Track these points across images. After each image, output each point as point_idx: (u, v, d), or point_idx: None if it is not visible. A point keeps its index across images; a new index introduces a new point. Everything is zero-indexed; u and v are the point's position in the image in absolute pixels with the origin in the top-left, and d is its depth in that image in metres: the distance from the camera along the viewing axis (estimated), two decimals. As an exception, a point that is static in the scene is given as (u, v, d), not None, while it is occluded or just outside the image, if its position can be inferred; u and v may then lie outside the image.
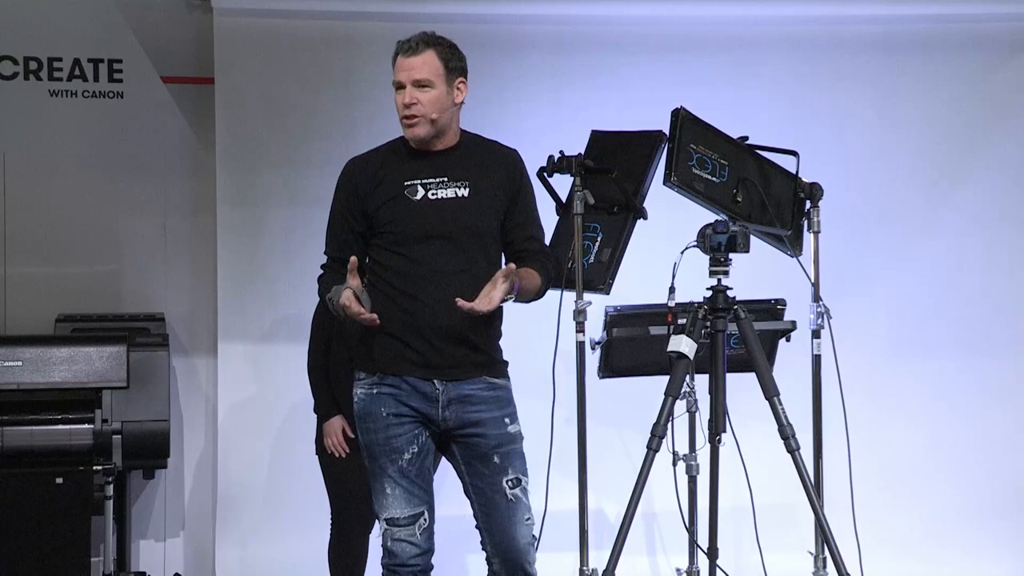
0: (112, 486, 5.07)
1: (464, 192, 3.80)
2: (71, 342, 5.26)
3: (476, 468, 3.81)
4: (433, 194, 3.79)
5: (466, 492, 3.86)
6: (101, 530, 5.12)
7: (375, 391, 3.77)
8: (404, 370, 3.74)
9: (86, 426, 5.10)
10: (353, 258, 3.66)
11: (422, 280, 3.72)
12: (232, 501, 5.82)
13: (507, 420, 3.81)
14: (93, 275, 5.84)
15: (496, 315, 3.79)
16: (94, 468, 5.05)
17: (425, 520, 3.78)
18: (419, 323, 3.72)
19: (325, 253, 3.91)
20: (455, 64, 3.86)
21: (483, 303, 3.62)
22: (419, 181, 3.80)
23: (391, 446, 3.75)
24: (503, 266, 3.73)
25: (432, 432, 3.79)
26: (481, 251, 3.80)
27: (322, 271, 3.91)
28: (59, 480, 5.02)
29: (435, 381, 3.74)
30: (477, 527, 3.86)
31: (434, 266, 3.72)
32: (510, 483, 3.79)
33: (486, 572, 3.89)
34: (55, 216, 5.82)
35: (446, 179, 3.81)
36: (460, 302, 3.61)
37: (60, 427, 5.11)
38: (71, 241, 5.84)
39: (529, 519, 3.83)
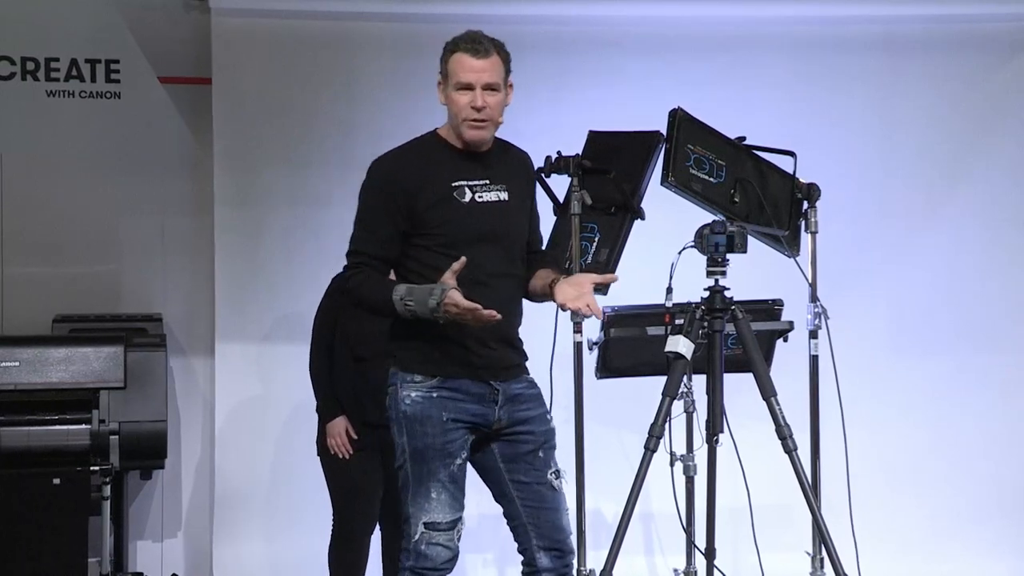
0: (109, 487, 5.06)
1: (504, 196, 3.82)
2: (68, 342, 5.26)
3: (521, 465, 3.82)
4: (480, 197, 3.78)
5: (503, 491, 3.84)
6: (98, 531, 5.11)
7: (434, 395, 3.74)
8: (463, 373, 3.74)
9: (83, 426, 5.10)
10: (463, 259, 3.64)
11: (475, 283, 3.69)
12: (230, 502, 5.82)
13: (548, 416, 3.91)
14: (91, 275, 5.84)
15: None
16: (91, 469, 5.04)
17: (462, 525, 3.79)
18: (475, 326, 3.70)
19: (359, 251, 3.78)
20: (510, 67, 3.86)
21: (596, 310, 3.75)
22: (465, 183, 3.78)
23: (447, 450, 3.73)
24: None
25: (476, 437, 3.79)
26: (520, 255, 3.85)
27: (354, 270, 3.78)
28: (56, 481, 5.02)
29: (492, 382, 3.77)
30: (516, 525, 3.84)
31: (485, 269, 3.72)
32: (554, 475, 3.85)
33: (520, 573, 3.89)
34: (53, 216, 5.82)
35: (488, 182, 3.81)
36: (588, 306, 3.69)
37: (57, 427, 5.10)
38: (69, 241, 5.84)
39: (568, 509, 3.89)
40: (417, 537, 3.74)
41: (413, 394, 3.75)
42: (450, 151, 3.82)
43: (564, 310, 3.84)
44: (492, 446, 3.82)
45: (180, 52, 5.90)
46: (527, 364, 3.90)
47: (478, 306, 3.59)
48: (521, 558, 3.87)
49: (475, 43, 3.83)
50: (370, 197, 3.82)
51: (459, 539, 3.79)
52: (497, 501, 3.88)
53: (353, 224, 3.85)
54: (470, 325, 3.64)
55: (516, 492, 3.84)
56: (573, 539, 3.91)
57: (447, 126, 3.86)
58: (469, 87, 3.77)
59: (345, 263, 3.85)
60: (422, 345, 3.75)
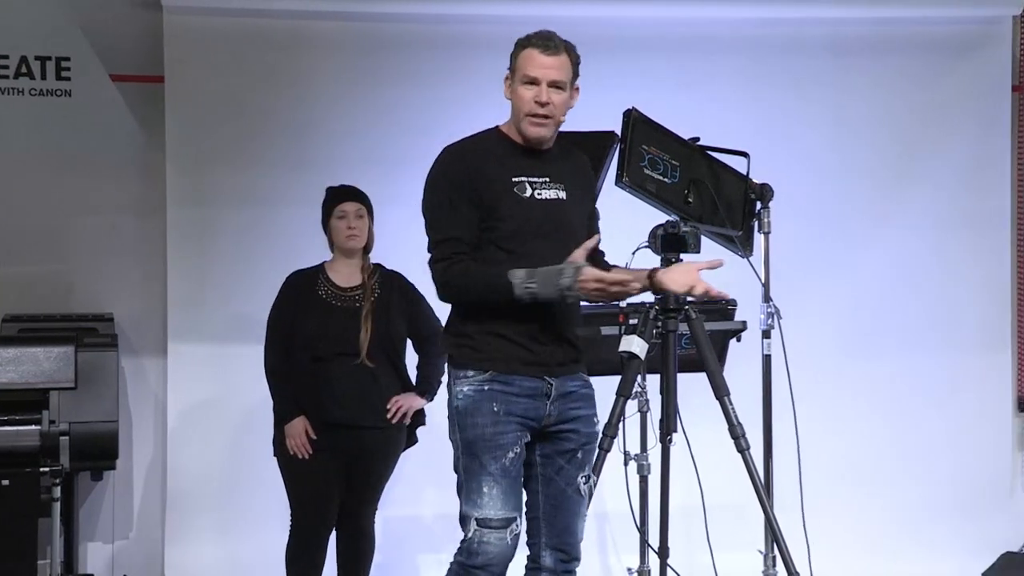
0: (60, 488, 5.01)
1: (563, 195, 3.83)
2: (18, 342, 5.20)
3: (557, 463, 3.82)
4: (539, 194, 3.78)
5: (529, 483, 3.82)
6: (48, 532, 5.06)
7: (485, 388, 3.72)
8: (517, 369, 3.73)
9: (33, 427, 5.03)
10: (597, 236, 3.73)
11: None
12: (182, 503, 5.78)
13: (595, 419, 3.90)
14: (41, 275, 5.79)
15: None
16: (41, 470, 4.99)
17: (517, 526, 3.75)
18: (529, 324, 3.72)
19: (450, 238, 3.71)
20: (578, 70, 3.86)
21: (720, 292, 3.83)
22: (526, 179, 3.78)
23: (497, 443, 3.71)
24: None
25: (528, 439, 3.78)
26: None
27: (449, 260, 3.71)
28: (5, 482, 4.96)
29: (546, 378, 3.76)
30: (531, 518, 3.82)
31: (541, 265, 3.69)
32: (584, 478, 3.85)
33: (523, 571, 3.88)
34: (2, 215, 5.76)
35: (548, 180, 3.81)
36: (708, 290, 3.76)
37: (6, 428, 5.03)
38: (18, 240, 5.78)
39: (587, 514, 3.90)
40: (471, 535, 3.71)
41: (465, 388, 3.74)
42: (512, 147, 3.83)
43: (690, 296, 3.88)
44: (536, 442, 3.81)
45: (132, 50, 5.85)
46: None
47: (626, 277, 3.67)
48: (527, 552, 3.85)
49: (547, 40, 3.84)
50: (446, 184, 3.77)
51: (514, 540, 3.74)
52: (523, 489, 3.85)
53: (429, 215, 3.80)
54: (599, 300, 3.71)
55: (543, 487, 3.83)
56: (583, 545, 3.91)
57: (509, 122, 3.86)
58: (535, 82, 3.77)
59: (432, 256, 3.76)
60: (475, 342, 3.75)
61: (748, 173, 4.77)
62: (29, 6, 5.77)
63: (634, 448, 4.87)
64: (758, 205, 4.84)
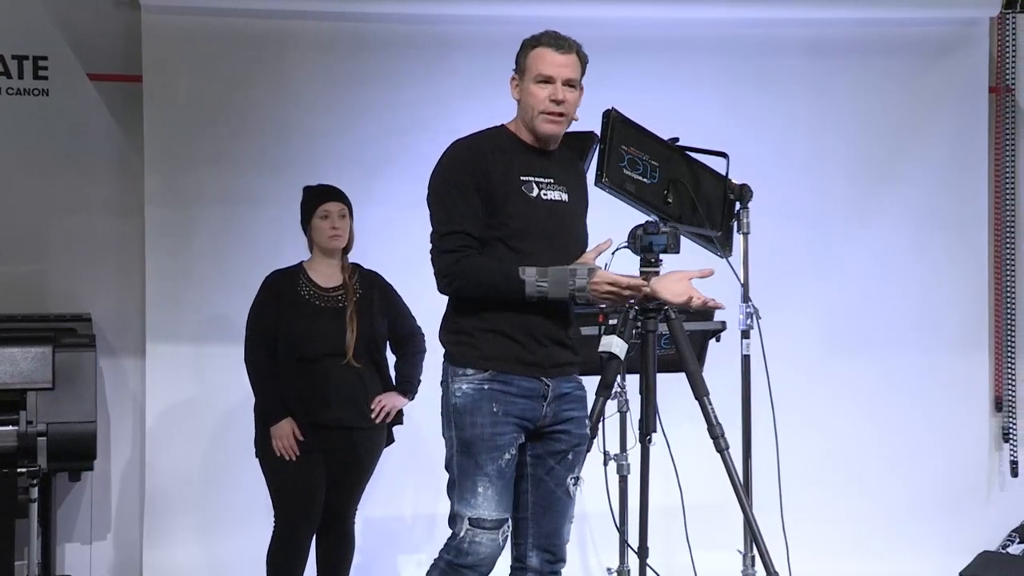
0: (37, 488, 5.00)
1: (565, 197, 3.87)
2: (-5, 343, 5.18)
3: (548, 463, 3.84)
4: (545, 194, 3.81)
5: (518, 484, 3.82)
6: (25, 533, 5.05)
7: (485, 387, 3.73)
8: (516, 370, 3.75)
9: (10, 428, 5.02)
10: (609, 239, 3.77)
11: None
12: (160, 503, 5.76)
13: (586, 421, 3.94)
14: (18, 274, 5.76)
15: None
16: (18, 470, 4.97)
17: (508, 527, 3.77)
18: (532, 322, 3.74)
19: (458, 230, 3.70)
20: (586, 69, 3.90)
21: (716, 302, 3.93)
22: (532, 179, 3.81)
23: (495, 443, 3.72)
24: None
25: (523, 440, 3.79)
26: (574, 256, 3.84)
27: (458, 252, 3.70)
28: (-18, 483, 4.95)
29: (543, 379, 3.78)
30: (519, 518, 3.83)
31: (543, 265, 3.71)
32: (573, 480, 3.88)
33: (509, 571, 3.88)
34: (-20, 215, 5.74)
35: (552, 181, 3.84)
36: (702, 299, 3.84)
37: (-17, 429, 5.02)
38: (-4, 240, 5.76)
39: (573, 516, 3.92)
40: (462, 534, 3.71)
41: (464, 386, 3.74)
42: (520, 146, 3.85)
43: (687, 307, 3.91)
44: (528, 442, 3.82)
45: (110, 49, 5.82)
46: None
47: (641, 281, 3.76)
48: (512, 551, 3.87)
49: (559, 39, 3.89)
50: (455, 178, 3.77)
51: (504, 541, 3.76)
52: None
53: (436, 208, 3.79)
54: (609, 303, 3.77)
55: (532, 487, 3.84)
56: (569, 547, 3.93)
57: (516, 122, 3.87)
58: (549, 80, 3.80)
59: (437, 247, 3.75)
60: (475, 339, 3.75)
61: (727, 173, 4.78)
62: (6, 5, 5.74)
63: (614, 448, 4.87)
64: (737, 205, 4.86)
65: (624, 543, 4.92)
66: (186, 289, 5.80)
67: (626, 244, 4.45)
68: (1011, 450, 6.38)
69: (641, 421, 4.50)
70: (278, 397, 4.77)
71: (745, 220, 4.86)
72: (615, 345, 4.33)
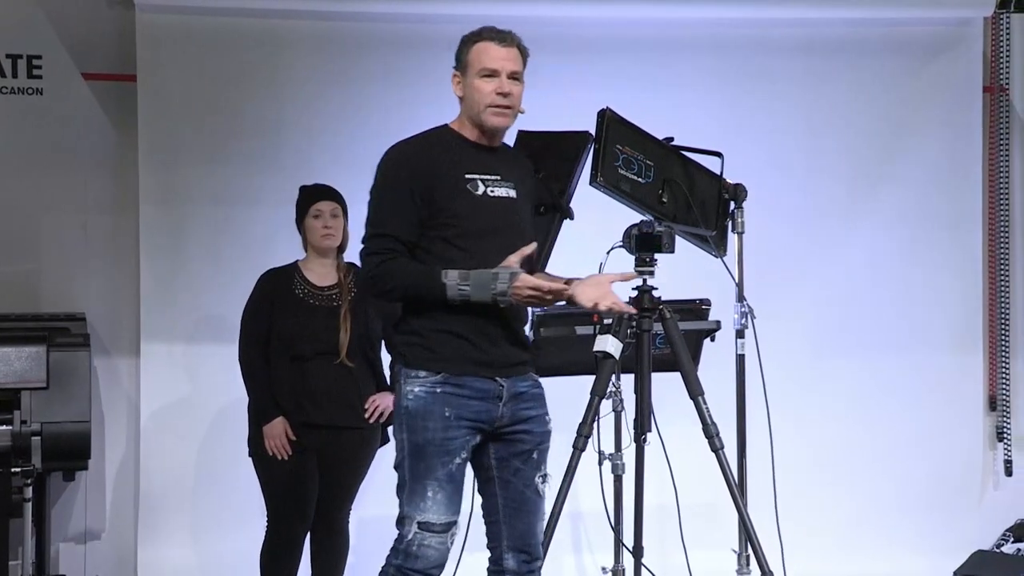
0: (31, 488, 4.99)
1: (512, 193, 3.85)
2: (-11, 342, 5.17)
3: (513, 464, 3.82)
4: (491, 191, 3.79)
5: (486, 487, 3.83)
6: (20, 533, 5.04)
7: (437, 390, 3.71)
8: (469, 370, 3.73)
9: (4, 427, 5.01)
10: (534, 244, 3.74)
11: None
12: (154, 503, 5.76)
13: (547, 418, 3.89)
14: (12, 274, 5.75)
15: None
16: (12, 470, 4.96)
17: (456, 529, 3.77)
18: (485, 322, 3.72)
19: (386, 234, 3.71)
20: (527, 62, 3.90)
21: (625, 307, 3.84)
22: (478, 176, 3.79)
23: (447, 448, 3.70)
24: None
25: (478, 440, 3.77)
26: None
27: (383, 255, 3.70)
28: (-23, 483, 4.94)
29: (498, 378, 3.76)
30: (491, 522, 3.83)
31: (494, 264, 3.69)
32: (541, 478, 3.86)
33: (485, 574, 3.88)
34: (-27, 214, 5.73)
35: (499, 177, 3.82)
36: (616, 304, 3.75)
37: (-22, 429, 5.01)
38: (-10, 239, 5.75)
39: (545, 515, 3.91)
40: (410, 537, 3.70)
41: (416, 389, 3.72)
42: (464, 143, 3.83)
43: (595, 311, 3.83)
44: (490, 444, 3.81)
45: (104, 49, 5.82)
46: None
47: (564, 286, 3.70)
48: (488, 554, 3.86)
49: (500, 33, 3.89)
50: (391, 181, 3.77)
51: (452, 543, 3.76)
52: (479, 493, 3.87)
53: (371, 210, 3.80)
54: (532, 306, 3.76)
55: (500, 491, 3.83)
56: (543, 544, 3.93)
57: (460, 119, 3.86)
58: (495, 73, 3.80)
59: (365, 248, 3.76)
60: (428, 341, 3.73)
61: (722, 173, 4.78)
62: (0, 4, 5.73)
63: (608, 448, 4.87)
64: (732, 205, 4.86)
65: (619, 542, 4.92)
66: (180, 288, 5.79)
67: (621, 243, 4.46)
68: (1005, 449, 6.38)
69: (636, 420, 4.51)
70: (270, 396, 4.77)
71: (740, 220, 4.86)
72: (610, 344, 4.34)
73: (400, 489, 3.76)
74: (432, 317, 3.70)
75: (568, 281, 3.82)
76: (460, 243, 3.72)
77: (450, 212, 3.73)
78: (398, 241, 3.72)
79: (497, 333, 3.75)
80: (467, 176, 3.77)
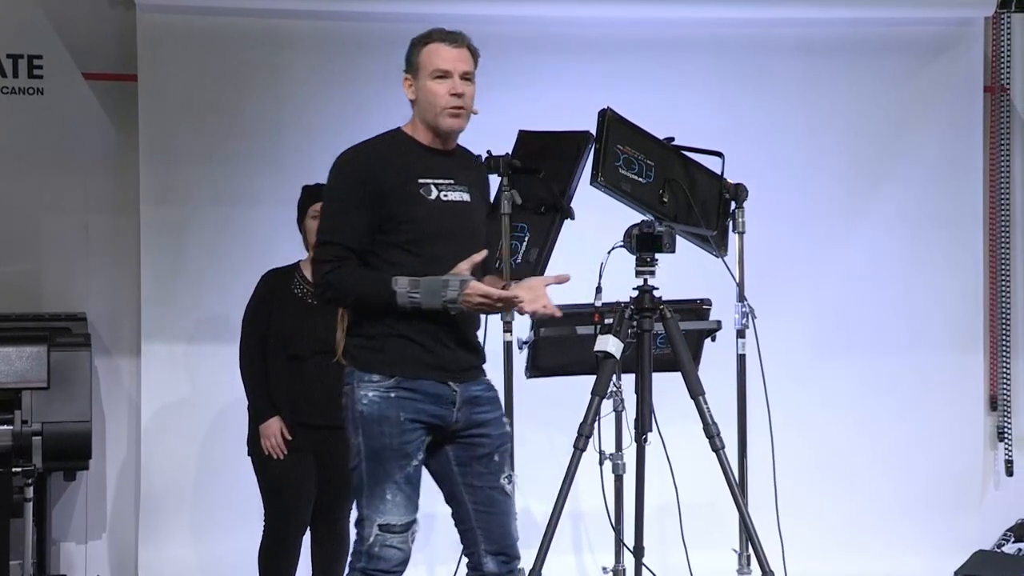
0: (32, 488, 4.99)
1: (466, 197, 3.83)
2: (-10, 342, 5.17)
3: (475, 469, 3.81)
4: (444, 195, 3.78)
5: (454, 494, 3.83)
6: (21, 533, 5.04)
7: (392, 394, 3.71)
8: (421, 373, 3.72)
9: (5, 427, 5.01)
10: (484, 251, 3.73)
11: None
12: (155, 503, 5.76)
13: (504, 420, 3.90)
14: (13, 274, 5.75)
15: None
16: (13, 470, 4.96)
17: (417, 527, 3.77)
18: (437, 326, 3.72)
19: (336, 242, 3.71)
20: (477, 65, 3.88)
21: (555, 310, 3.83)
22: (431, 181, 3.78)
23: (404, 451, 3.70)
24: None
25: (433, 438, 3.78)
26: None
27: (333, 263, 3.70)
28: (-23, 482, 4.94)
29: (451, 383, 3.75)
30: (465, 529, 3.83)
31: (448, 268, 3.69)
32: (506, 479, 3.85)
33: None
34: (-27, 214, 5.73)
35: (453, 182, 3.80)
36: (546, 306, 3.75)
37: (-21, 429, 5.01)
38: (-10, 239, 5.76)
39: (517, 514, 3.91)
40: (371, 539, 3.71)
41: (370, 394, 3.71)
42: (417, 148, 3.81)
43: (522, 313, 3.83)
44: (447, 448, 3.80)
45: (105, 49, 5.82)
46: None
47: (515, 294, 3.69)
48: (467, 560, 3.85)
49: (450, 34, 3.88)
50: (342, 188, 3.76)
51: (413, 541, 3.77)
52: (448, 503, 3.86)
53: (322, 216, 3.80)
54: (482, 313, 3.75)
55: (468, 496, 3.82)
56: (520, 544, 3.90)
57: (412, 123, 3.85)
58: (447, 75, 3.78)
59: (317, 255, 3.77)
60: (381, 344, 3.73)
61: (723, 173, 4.78)
62: (1, 4, 5.73)
63: (609, 447, 4.87)
64: (732, 205, 4.86)
65: (620, 542, 4.92)
66: (181, 288, 5.79)
67: (622, 243, 4.46)
68: (1006, 449, 6.38)
69: (636, 420, 4.51)
70: (267, 396, 4.77)
71: (740, 219, 4.86)
72: (611, 344, 4.34)
73: (358, 491, 3.76)
74: (384, 322, 3.70)
75: (505, 286, 3.83)
76: (414, 249, 3.72)
77: (403, 218, 3.71)
78: (348, 249, 3.71)
79: (449, 338, 3.75)
80: (420, 181, 3.75)
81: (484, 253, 3.75)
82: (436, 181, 3.77)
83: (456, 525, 3.85)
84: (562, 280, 3.87)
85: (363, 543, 3.72)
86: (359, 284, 3.70)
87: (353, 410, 3.74)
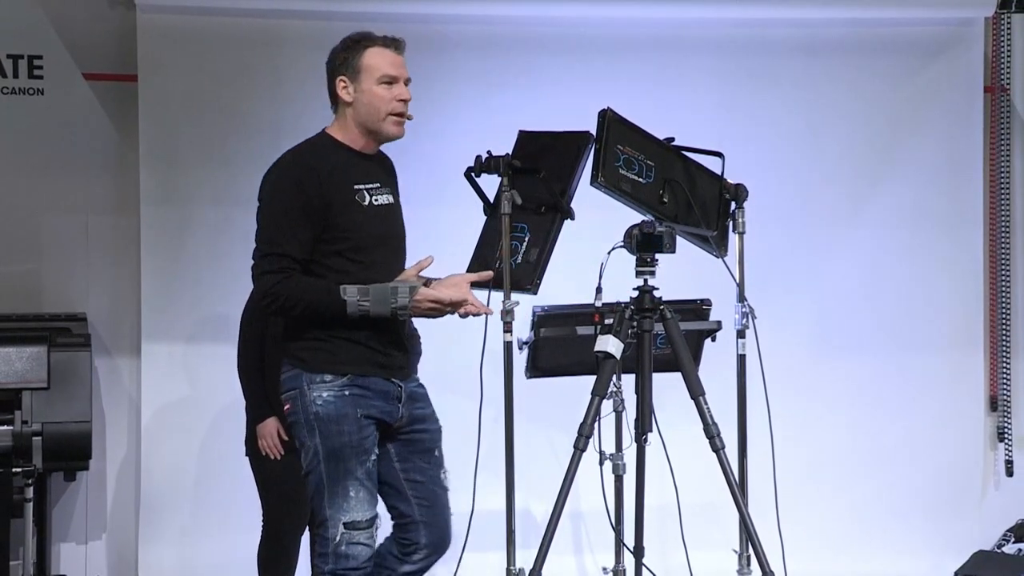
0: (32, 488, 5.00)
1: (391, 199, 3.90)
2: (-10, 342, 5.17)
3: (417, 463, 3.88)
4: (376, 200, 3.83)
5: (396, 489, 3.88)
6: (20, 533, 5.04)
7: (346, 393, 3.77)
8: (371, 372, 3.80)
9: (5, 427, 5.02)
10: (431, 256, 3.82)
11: None
12: (155, 503, 5.76)
13: (436, 416, 4.01)
14: (13, 274, 5.75)
15: None
16: (13, 470, 4.97)
17: (379, 521, 3.83)
18: (378, 327, 3.78)
19: (282, 254, 3.73)
20: None
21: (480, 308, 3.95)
22: (363, 186, 3.83)
23: (363, 447, 3.77)
24: None
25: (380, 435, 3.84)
26: (404, 258, 3.95)
27: (280, 274, 3.72)
28: (-22, 483, 4.94)
29: (395, 380, 3.84)
30: (407, 523, 3.89)
31: (385, 271, 3.77)
32: (444, 475, 3.97)
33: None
34: (-27, 215, 5.73)
35: (379, 185, 3.85)
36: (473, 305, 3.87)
37: (-21, 429, 5.01)
38: (-10, 239, 5.75)
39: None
40: (337, 539, 3.76)
41: (324, 394, 3.76)
42: (348, 153, 3.84)
43: (463, 316, 3.94)
44: (388, 446, 3.88)
45: (105, 49, 5.82)
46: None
47: (466, 298, 3.78)
48: (399, 547, 3.95)
49: (394, 38, 3.92)
50: (284, 198, 3.75)
51: (377, 535, 3.83)
52: (386, 499, 3.93)
53: (261, 225, 3.80)
54: (431, 318, 3.81)
55: (411, 491, 3.90)
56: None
57: (341, 126, 3.87)
58: (395, 80, 3.83)
59: (259, 267, 3.78)
60: (330, 346, 3.77)
61: (723, 173, 4.78)
62: (1, 4, 5.73)
63: (609, 448, 4.87)
64: (732, 205, 4.86)
65: (620, 543, 4.92)
66: (181, 289, 5.80)
67: (622, 244, 4.46)
68: (1006, 450, 6.38)
69: (637, 421, 4.51)
70: (263, 396, 4.77)
71: (741, 220, 4.85)
72: (611, 344, 4.34)
73: (317, 494, 3.79)
74: (326, 325, 3.76)
75: (428, 282, 3.89)
76: (355, 256, 3.77)
77: (344, 226, 3.76)
78: (294, 260, 3.73)
79: (390, 337, 3.83)
80: (355, 187, 3.80)
81: (431, 259, 3.82)
82: (368, 186, 3.82)
83: (394, 518, 3.93)
84: (484, 278, 3.98)
85: (328, 544, 3.76)
86: (309, 295, 3.72)
87: (306, 413, 3.77)
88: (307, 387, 3.77)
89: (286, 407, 3.86)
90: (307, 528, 4.92)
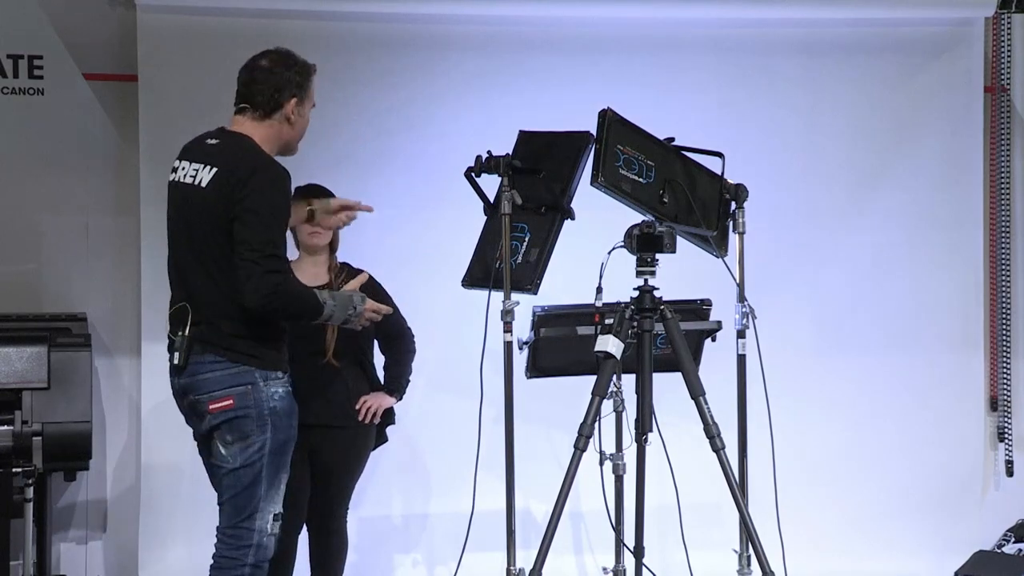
0: (32, 488, 4.99)
1: None
2: (-10, 342, 5.17)
3: None
4: None
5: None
6: (21, 533, 5.04)
7: (290, 388, 4.00)
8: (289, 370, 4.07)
9: (5, 427, 5.01)
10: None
11: None
12: (155, 503, 5.76)
13: None
14: (13, 274, 5.75)
15: None
16: (14, 470, 4.96)
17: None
18: (283, 327, 4.09)
19: (280, 255, 3.89)
20: None
21: None
22: None
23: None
24: None
25: None
26: None
27: (284, 275, 3.89)
28: (-22, 483, 4.94)
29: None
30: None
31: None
32: None
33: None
34: (-27, 214, 5.73)
35: None
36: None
37: (-21, 429, 5.01)
38: (-9, 239, 5.75)
39: None
40: (266, 529, 3.92)
41: (280, 390, 3.94)
42: None
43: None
44: None
45: (105, 48, 5.82)
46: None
47: (389, 309, 4.24)
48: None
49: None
50: (285, 204, 3.98)
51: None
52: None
53: (263, 226, 3.88)
54: (363, 325, 4.14)
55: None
56: None
57: (263, 136, 4.11)
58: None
59: (263, 266, 3.84)
60: (276, 345, 3.97)
61: (723, 173, 4.78)
62: (1, 4, 5.73)
63: (609, 448, 4.87)
64: (733, 205, 4.86)
65: (620, 543, 4.92)
66: (181, 289, 5.78)
67: (622, 244, 4.46)
68: (1006, 450, 6.39)
69: (637, 421, 4.51)
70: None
71: (741, 220, 4.86)
72: (611, 344, 4.34)
73: (252, 487, 3.89)
74: (265, 323, 3.90)
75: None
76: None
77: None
78: (288, 264, 3.98)
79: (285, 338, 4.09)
80: None
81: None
82: None
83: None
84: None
85: (254, 536, 3.89)
86: (304, 298, 3.94)
87: (259, 408, 3.90)
88: (262, 383, 3.92)
89: (227, 402, 3.90)
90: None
